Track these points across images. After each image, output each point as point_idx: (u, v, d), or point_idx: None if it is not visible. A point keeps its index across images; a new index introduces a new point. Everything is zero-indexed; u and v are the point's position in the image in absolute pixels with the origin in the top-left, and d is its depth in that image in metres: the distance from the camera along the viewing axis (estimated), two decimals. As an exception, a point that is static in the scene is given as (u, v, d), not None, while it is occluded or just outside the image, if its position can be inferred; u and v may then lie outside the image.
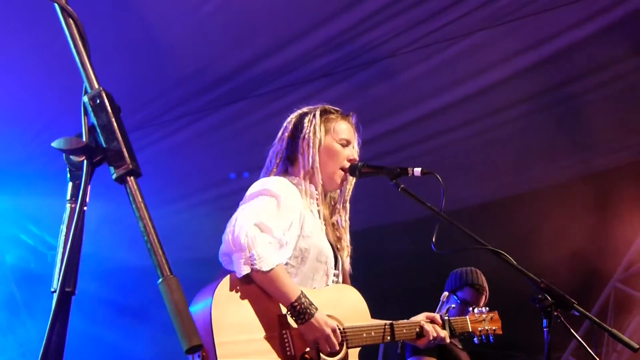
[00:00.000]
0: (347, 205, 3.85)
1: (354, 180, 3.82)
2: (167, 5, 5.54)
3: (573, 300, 3.39)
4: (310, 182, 3.64)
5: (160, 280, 1.48)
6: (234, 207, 3.46)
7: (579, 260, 7.77)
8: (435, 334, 3.69)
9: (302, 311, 3.23)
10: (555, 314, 3.38)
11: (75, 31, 1.68)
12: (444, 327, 3.77)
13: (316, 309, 3.26)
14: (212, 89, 6.35)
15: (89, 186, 1.59)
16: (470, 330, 4.02)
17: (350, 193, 3.85)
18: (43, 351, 1.49)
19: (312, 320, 3.24)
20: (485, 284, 5.38)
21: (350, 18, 5.75)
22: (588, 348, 3.60)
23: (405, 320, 3.69)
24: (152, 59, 6.04)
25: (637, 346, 3.40)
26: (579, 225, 7.74)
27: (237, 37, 5.92)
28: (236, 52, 6.06)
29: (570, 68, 6.58)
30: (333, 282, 3.64)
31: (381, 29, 5.88)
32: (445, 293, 4.01)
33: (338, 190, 3.82)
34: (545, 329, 3.38)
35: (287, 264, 3.44)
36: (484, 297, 5.33)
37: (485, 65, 6.45)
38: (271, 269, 3.21)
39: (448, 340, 3.78)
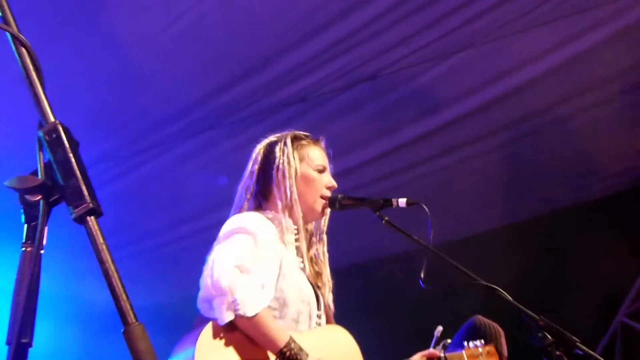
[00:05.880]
0: (324, 236, 3.82)
1: (330, 211, 3.81)
2: (133, 29, 5.55)
3: (575, 339, 3.37)
4: (289, 216, 3.61)
5: (124, 328, 1.49)
6: (200, 247, 3.45)
7: (583, 294, 7.79)
8: None
9: (292, 357, 3.22)
10: (558, 353, 3.37)
11: (28, 61, 1.68)
12: None
13: (307, 355, 3.25)
14: (180, 118, 6.35)
15: (46, 227, 1.59)
16: None
17: (326, 224, 3.83)
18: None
19: None
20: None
21: (325, 40, 5.80)
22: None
23: None
24: (118, 86, 6.03)
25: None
26: (580, 257, 7.78)
27: (207, 63, 5.94)
28: (206, 80, 6.07)
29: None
30: (317, 323, 3.62)
31: (358, 50, 5.94)
32: (440, 327, 3.96)
33: (313, 222, 3.80)
34: (545, 370, 3.38)
35: (269, 306, 3.39)
36: None
37: (466, 89, 6.54)
38: (256, 314, 3.18)
39: None
